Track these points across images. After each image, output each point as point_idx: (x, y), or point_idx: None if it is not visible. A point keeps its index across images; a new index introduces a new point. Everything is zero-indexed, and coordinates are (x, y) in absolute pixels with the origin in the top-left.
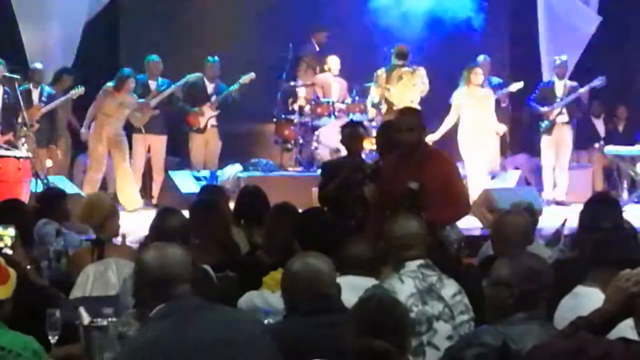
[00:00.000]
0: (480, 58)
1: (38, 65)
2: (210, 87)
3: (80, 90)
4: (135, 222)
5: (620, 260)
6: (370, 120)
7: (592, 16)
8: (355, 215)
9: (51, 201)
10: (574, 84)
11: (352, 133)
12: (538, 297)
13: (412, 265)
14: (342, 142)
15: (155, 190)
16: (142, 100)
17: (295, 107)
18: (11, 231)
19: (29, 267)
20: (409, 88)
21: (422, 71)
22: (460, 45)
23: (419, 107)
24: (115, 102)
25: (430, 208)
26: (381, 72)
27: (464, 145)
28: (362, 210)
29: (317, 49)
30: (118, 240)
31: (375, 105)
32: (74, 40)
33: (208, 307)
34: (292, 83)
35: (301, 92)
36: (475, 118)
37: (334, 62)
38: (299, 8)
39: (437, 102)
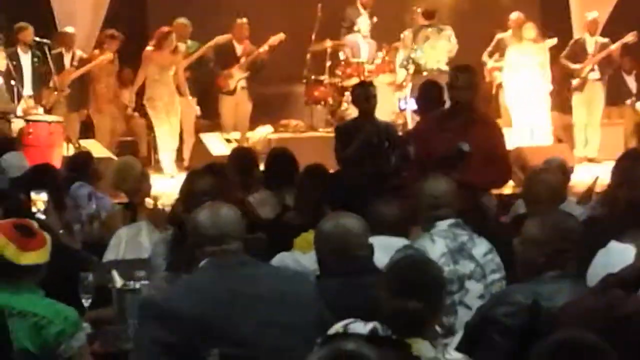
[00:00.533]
0: (514, 15)
1: (69, 29)
2: (239, 49)
3: (108, 56)
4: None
5: None
6: (399, 84)
7: None
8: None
9: (81, 164)
10: (605, 40)
11: (364, 93)
12: (569, 255)
13: (443, 224)
14: (354, 102)
15: (186, 152)
16: None
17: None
18: (44, 196)
19: (61, 231)
20: (436, 49)
21: (449, 31)
22: (489, 4)
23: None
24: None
25: (472, 171)
26: (408, 32)
27: (517, 103)
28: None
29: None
30: (150, 202)
31: (404, 66)
32: (102, 4)
33: (253, 263)
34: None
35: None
36: (529, 76)
37: (363, 22)
38: None
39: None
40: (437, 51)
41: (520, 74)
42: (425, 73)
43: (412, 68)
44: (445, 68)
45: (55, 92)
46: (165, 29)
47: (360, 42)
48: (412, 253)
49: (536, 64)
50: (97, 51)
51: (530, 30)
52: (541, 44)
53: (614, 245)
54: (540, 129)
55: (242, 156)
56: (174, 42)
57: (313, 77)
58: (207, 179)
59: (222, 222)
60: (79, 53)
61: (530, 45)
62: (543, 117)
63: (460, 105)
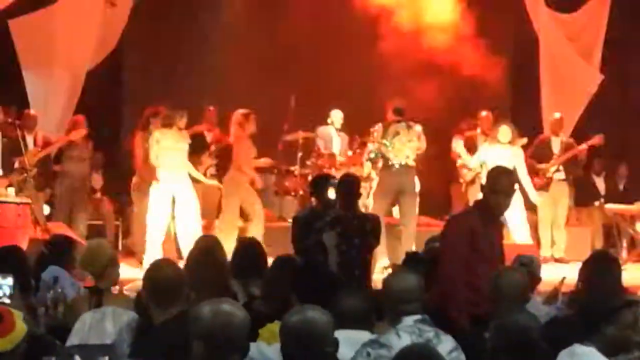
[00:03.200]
0: (483, 113)
1: (31, 111)
2: (209, 136)
3: (81, 132)
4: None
5: (607, 316)
6: (366, 177)
7: (595, 74)
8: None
9: (60, 249)
10: (570, 140)
11: (324, 185)
12: (529, 354)
13: (409, 320)
14: (313, 194)
15: None
16: None
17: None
18: (9, 280)
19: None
20: (405, 144)
21: (419, 127)
22: (461, 101)
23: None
24: None
25: None
26: (378, 127)
27: None
28: (322, 254)
29: None
30: (116, 289)
31: (372, 160)
32: (76, 89)
33: None
34: (293, 135)
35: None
36: None
37: (336, 115)
38: (301, 57)
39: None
40: (406, 147)
41: None
42: (394, 168)
43: (381, 162)
44: (413, 164)
45: (24, 173)
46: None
47: (332, 134)
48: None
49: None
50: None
51: (505, 133)
52: (516, 147)
53: (578, 348)
54: (516, 227)
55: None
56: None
57: (284, 167)
58: (171, 267)
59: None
60: (40, 134)
61: (505, 147)
62: (517, 216)
63: (500, 211)
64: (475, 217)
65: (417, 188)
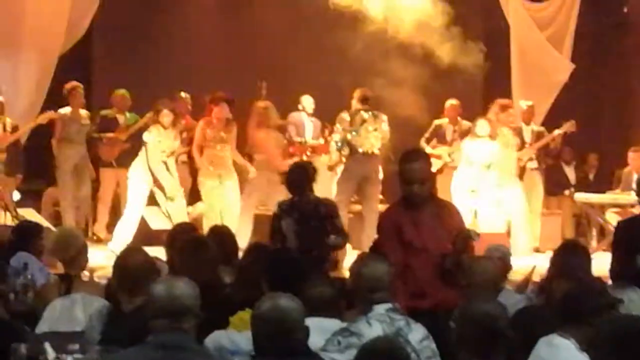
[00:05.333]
0: (451, 102)
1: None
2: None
3: (48, 113)
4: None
5: (590, 312)
6: (333, 165)
7: (565, 63)
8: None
9: (27, 235)
10: (542, 129)
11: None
12: (496, 342)
13: (380, 308)
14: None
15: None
16: (111, 134)
17: None
18: None
19: None
20: (371, 132)
21: (384, 117)
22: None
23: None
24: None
25: None
26: (345, 114)
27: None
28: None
29: None
30: (85, 275)
31: (338, 148)
32: (47, 73)
33: (193, 351)
34: None
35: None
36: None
37: (307, 101)
38: (269, 45)
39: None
40: (372, 135)
41: (473, 168)
42: (359, 156)
43: (346, 150)
44: (377, 152)
45: None
46: None
47: (304, 119)
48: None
49: (489, 160)
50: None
51: (483, 126)
52: (495, 141)
53: (556, 339)
54: (486, 217)
55: (183, 232)
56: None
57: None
58: (140, 254)
59: (178, 296)
60: (8, 120)
61: (485, 140)
62: (488, 205)
63: (420, 200)
64: (400, 208)
65: (381, 176)
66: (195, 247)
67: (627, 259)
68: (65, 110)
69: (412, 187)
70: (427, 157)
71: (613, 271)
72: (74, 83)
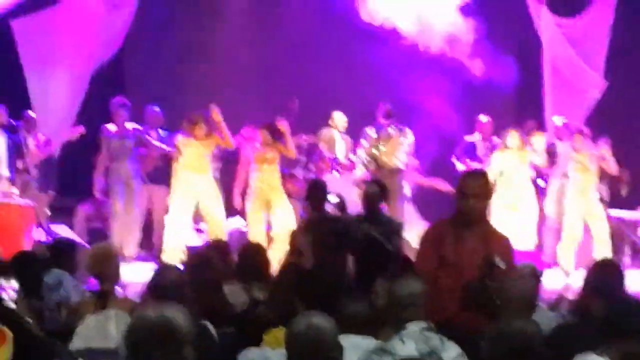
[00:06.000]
0: (483, 118)
1: (31, 113)
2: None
3: (80, 129)
4: (135, 273)
5: (631, 331)
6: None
7: (598, 80)
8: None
9: (62, 252)
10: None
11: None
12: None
13: (414, 327)
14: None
15: (157, 242)
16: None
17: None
18: (14, 283)
19: (29, 319)
20: (396, 147)
21: (409, 131)
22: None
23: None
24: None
25: None
26: (370, 130)
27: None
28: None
29: None
30: (119, 291)
31: (366, 164)
32: (80, 90)
33: None
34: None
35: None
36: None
37: (339, 118)
38: (299, 63)
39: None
40: (398, 150)
41: (505, 180)
42: (385, 171)
43: (372, 164)
44: (403, 167)
45: (27, 174)
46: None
47: (335, 137)
48: None
49: (521, 170)
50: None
51: (513, 138)
52: (525, 151)
53: (594, 358)
54: (522, 233)
55: (217, 248)
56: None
57: (286, 170)
58: (174, 271)
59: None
60: (41, 136)
61: (514, 152)
62: (525, 221)
63: (474, 215)
64: (447, 223)
65: (408, 192)
66: (197, 266)
67: None
68: (111, 127)
69: (468, 201)
70: (488, 177)
71: None
72: (120, 99)
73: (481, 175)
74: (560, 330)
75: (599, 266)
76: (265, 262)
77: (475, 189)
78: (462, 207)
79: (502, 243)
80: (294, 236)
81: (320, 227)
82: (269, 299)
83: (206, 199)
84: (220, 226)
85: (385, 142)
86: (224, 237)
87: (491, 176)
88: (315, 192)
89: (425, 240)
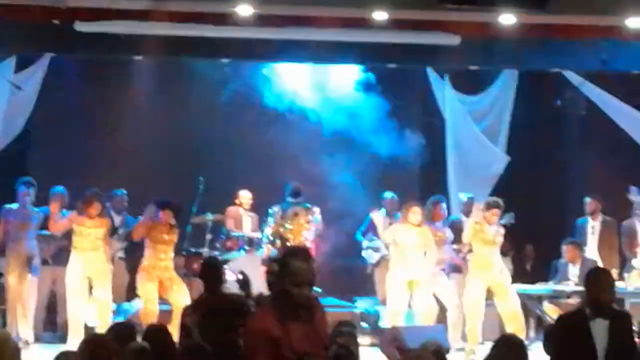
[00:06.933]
0: (387, 195)
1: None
2: (117, 219)
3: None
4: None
5: None
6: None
7: (501, 155)
8: None
9: None
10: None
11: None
12: None
13: None
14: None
15: (61, 323)
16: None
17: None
18: None
19: None
20: (303, 225)
21: (317, 209)
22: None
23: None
24: None
25: None
26: (277, 208)
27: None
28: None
29: None
30: None
31: (271, 242)
32: None
33: None
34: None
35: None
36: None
37: (245, 196)
38: (212, 144)
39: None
40: (305, 228)
41: (406, 255)
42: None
43: (279, 243)
44: (310, 245)
45: None
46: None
47: (242, 214)
48: None
49: (420, 246)
50: None
51: (416, 214)
52: (424, 227)
53: None
54: (422, 308)
55: (121, 330)
56: None
57: (193, 249)
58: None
59: None
60: None
61: (413, 228)
62: (425, 298)
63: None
64: (270, 315)
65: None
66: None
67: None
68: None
69: (303, 289)
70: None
71: None
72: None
73: (310, 258)
74: None
75: (502, 342)
76: (171, 344)
77: (310, 275)
78: (296, 296)
79: (319, 310)
80: (184, 314)
81: (209, 306)
82: None
83: (96, 278)
84: (107, 307)
85: (291, 220)
86: (109, 318)
87: (384, 242)
88: (209, 271)
89: (252, 343)
